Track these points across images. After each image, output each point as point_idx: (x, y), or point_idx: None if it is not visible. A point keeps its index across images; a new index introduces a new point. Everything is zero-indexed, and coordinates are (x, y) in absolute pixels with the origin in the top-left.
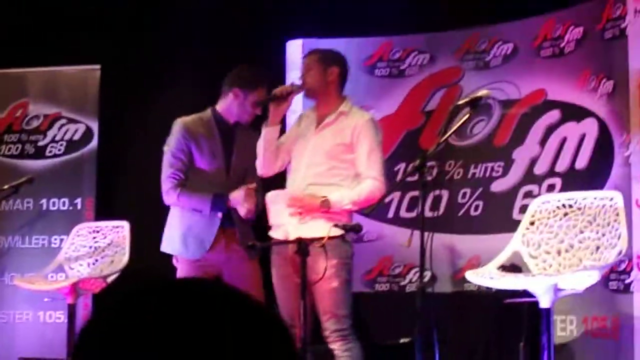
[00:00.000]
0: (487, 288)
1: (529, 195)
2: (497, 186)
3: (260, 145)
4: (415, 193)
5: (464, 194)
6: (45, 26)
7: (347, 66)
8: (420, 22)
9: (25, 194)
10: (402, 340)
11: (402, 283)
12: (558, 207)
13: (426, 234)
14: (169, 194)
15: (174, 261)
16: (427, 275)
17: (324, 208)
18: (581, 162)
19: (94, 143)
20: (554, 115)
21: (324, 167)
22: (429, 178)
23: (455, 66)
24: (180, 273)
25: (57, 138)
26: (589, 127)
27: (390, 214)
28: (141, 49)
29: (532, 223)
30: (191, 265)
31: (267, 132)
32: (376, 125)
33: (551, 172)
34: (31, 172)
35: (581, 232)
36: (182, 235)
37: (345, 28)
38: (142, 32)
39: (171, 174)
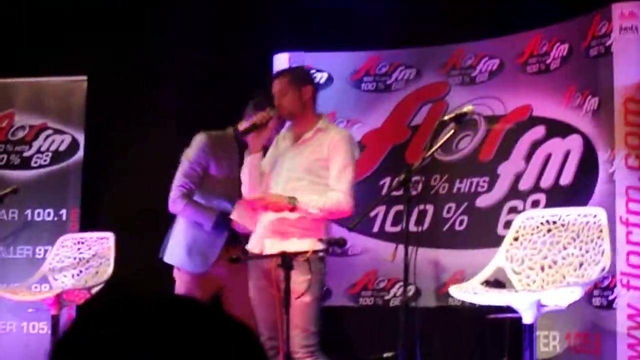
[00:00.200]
0: (471, 303)
1: (513, 210)
2: (482, 201)
3: (245, 172)
4: (400, 207)
5: (449, 209)
6: (32, 37)
7: (316, 81)
8: (407, 37)
9: (10, 204)
10: (385, 355)
11: (387, 297)
12: (542, 223)
13: (410, 248)
14: (176, 203)
15: (175, 272)
16: (411, 289)
17: (290, 205)
18: (566, 178)
19: (80, 154)
20: (539, 131)
21: (303, 182)
22: (414, 192)
23: (442, 81)
24: (180, 285)
25: (42, 149)
26: (574, 143)
27: (375, 228)
28: (128, 61)
29: (516, 239)
30: (192, 279)
31: (251, 160)
32: (352, 142)
33: (536, 188)
34: (16, 183)
35: (565, 248)
36: (187, 248)
37: (331, 42)
38: (129, 44)
39: (183, 183)
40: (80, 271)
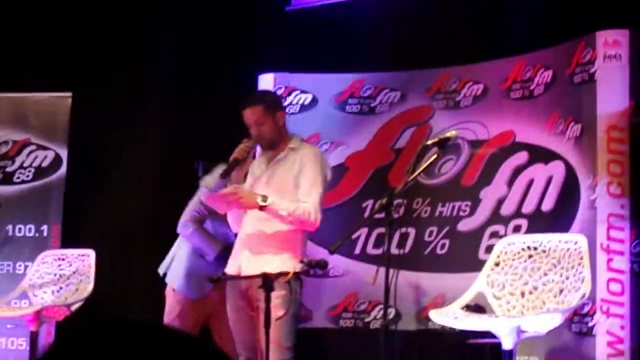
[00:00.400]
0: (451, 327)
1: (495, 235)
2: (464, 225)
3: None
4: (382, 230)
5: (431, 232)
6: (16, 52)
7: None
8: (392, 60)
9: None
10: None
11: (367, 319)
12: (523, 249)
13: (392, 271)
14: (186, 226)
15: (169, 291)
16: (392, 312)
17: (261, 204)
18: (547, 204)
19: (63, 170)
20: (521, 156)
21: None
22: (396, 215)
23: (426, 105)
24: (174, 306)
25: (25, 164)
26: (556, 169)
27: (357, 250)
28: (112, 78)
29: (497, 264)
30: (187, 302)
31: None
32: (323, 160)
33: (517, 213)
34: None
35: (545, 274)
36: (186, 273)
37: (316, 63)
38: (114, 61)
39: (198, 208)
40: (61, 288)
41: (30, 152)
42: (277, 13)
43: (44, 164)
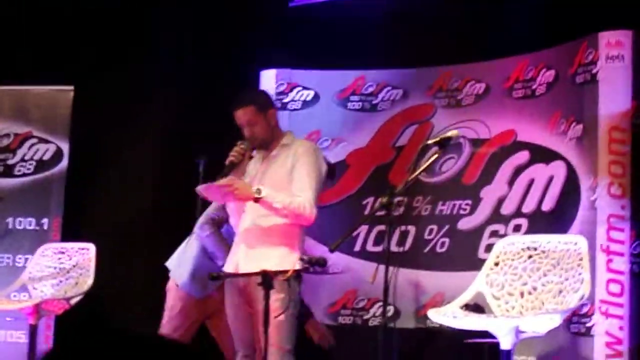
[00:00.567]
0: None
1: (495, 234)
2: (464, 224)
3: (231, 206)
4: (383, 227)
5: (431, 231)
6: (19, 45)
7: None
8: (395, 58)
9: None
10: None
11: (366, 317)
12: (523, 249)
13: (391, 269)
14: (203, 229)
15: (172, 286)
16: (391, 310)
17: (255, 195)
18: (548, 204)
19: (64, 163)
20: (523, 156)
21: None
22: (397, 213)
23: (428, 103)
24: (175, 302)
25: (26, 157)
26: (557, 169)
27: (357, 248)
28: (114, 71)
29: (496, 264)
30: (187, 300)
31: None
32: (317, 153)
33: (518, 213)
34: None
35: (545, 275)
36: (192, 272)
37: (319, 60)
38: (116, 55)
39: (217, 213)
40: (60, 281)
41: (32, 145)
42: (279, 9)
43: (45, 157)
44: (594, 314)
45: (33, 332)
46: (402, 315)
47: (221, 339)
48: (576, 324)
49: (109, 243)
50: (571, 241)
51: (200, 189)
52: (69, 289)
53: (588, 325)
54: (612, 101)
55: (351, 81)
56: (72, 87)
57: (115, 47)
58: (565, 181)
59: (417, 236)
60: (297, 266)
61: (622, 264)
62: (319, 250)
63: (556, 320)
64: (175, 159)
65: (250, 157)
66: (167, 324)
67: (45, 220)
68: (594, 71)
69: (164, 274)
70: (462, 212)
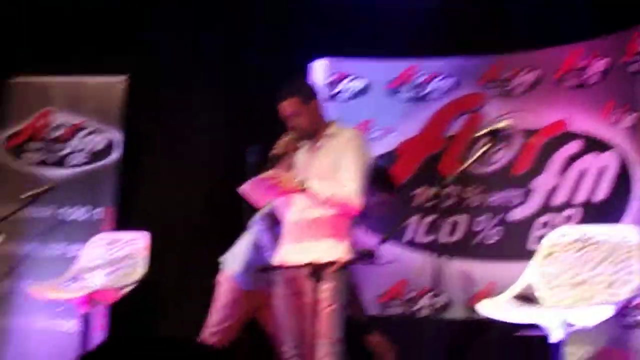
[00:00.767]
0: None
1: (546, 225)
2: (515, 215)
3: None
4: (433, 218)
5: (481, 221)
6: (72, 35)
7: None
8: (446, 46)
9: (45, 202)
10: None
11: (415, 307)
12: (574, 241)
13: (442, 259)
14: (258, 223)
15: (223, 278)
16: (441, 301)
17: (299, 187)
18: (599, 195)
19: (116, 154)
20: (574, 146)
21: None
22: (447, 204)
23: (478, 92)
24: (226, 294)
25: (79, 148)
26: (609, 160)
27: (407, 238)
28: (167, 61)
29: (547, 255)
30: (239, 292)
31: None
32: (362, 143)
33: (569, 204)
34: (52, 181)
35: (596, 266)
36: (244, 264)
37: (369, 49)
38: (169, 45)
39: (275, 209)
40: (112, 271)
41: (85, 135)
42: None
43: (98, 148)
44: None
45: (85, 321)
46: (453, 306)
47: (272, 332)
48: (628, 316)
49: (161, 234)
50: (623, 232)
51: (245, 187)
52: (121, 279)
53: (639, 318)
54: None
55: (402, 70)
56: (124, 77)
57: (167, 34)
58: (618, 171)
59: (468, 227)
60: (346, 258)
61: None
62: (370, 240)
63: (607, 313)
64: (229, 150)
65: (297, 149)
66: (216, 314)
67: (97, 211)
68: None
69: (216, 265)
70: (513, 202)
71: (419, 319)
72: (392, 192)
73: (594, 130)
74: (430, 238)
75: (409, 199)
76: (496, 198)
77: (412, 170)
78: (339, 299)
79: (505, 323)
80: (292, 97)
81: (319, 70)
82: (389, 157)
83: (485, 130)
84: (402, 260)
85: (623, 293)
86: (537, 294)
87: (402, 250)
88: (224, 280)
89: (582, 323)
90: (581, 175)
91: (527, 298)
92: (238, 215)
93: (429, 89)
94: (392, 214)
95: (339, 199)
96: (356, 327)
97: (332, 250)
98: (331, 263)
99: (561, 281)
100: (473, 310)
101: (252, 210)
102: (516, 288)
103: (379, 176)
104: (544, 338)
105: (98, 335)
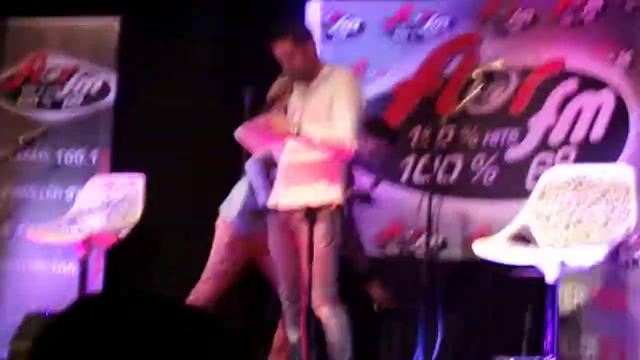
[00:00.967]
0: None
1: (542, 163)
2: (512, 154)
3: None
4: (429, 158)
5: (478, 160)
6: None
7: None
8: None
9: (40, 145)
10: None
11: (412, 247)
12: (569, 181)
13: (437, 199)
14: (254, 163)
15: (220, 223)
16: (436, 240)
17: (293, 131)
18: (596, 134)
19: (111, 96)
20: (571, 84)
21: (315, 127)
22: (443, 144)
23: (475, 31)
24: (221, 236)
25: (74, 90)
26: (606, 98)
27: (404, 178)
28: (161, 2)
29: (542, 195)
30: (235, 235)
31: None
32: (356, 84)
33: (566, 142)
34: (48, 124)
35: (591, 206)
36: (240, 208)
37: None
38: None
39: (272, 152)
40: (109, 214)
41: (80, 78)
42: None
43: (93, 90)
44: None
45: (83, 264)
46: (449, 246)
47: (270, 276)
48: (624, 254)
49: (157, 175)
50: (618, 171)
51: (240, 133)
52: (118, 222)
53: (635, 256)
54: None
55: (398, 10)
56: (117, 18)
57: None
58: (614, 111)
59: (465, 166)
60: (340, 200)
61: None
62: (366, 181)
63: (602, 252)
64: (224, 90)
65: (291, 91)
66: (214, 257)
67: (93, 153)
68: None
69: (215, 208)
70: (509, 141)
71: (415, 259)
72: (388, 139)
73: (590, 69)
74: (426, 178)
75: (405, 139)
76: (492, 137)
77: (408, 111)
78: (333, 240)
79: (501, 264)
80: (285, 37)
81: (314, 12)
82: (384, 98)
83: (480, 70)
84: (398, 200)
85: (618, 232)
86: (532, 233)
87: (398, 190)
88: (221, 225)
89: (578, 263)
90: (577, 114)
91: (523, 238)
92: (237, 158)
93: (424, 28)
94: (387, 158)
95: (332, 142)
96: (355, 274)
97: (326, 192)
98: (325, 205)
99: (556, 221)
100: (470, 251)
101: (250, 153)
102: (512, 228)
103: (374, 123)
104: (540, 279)
105: (96, 279)
